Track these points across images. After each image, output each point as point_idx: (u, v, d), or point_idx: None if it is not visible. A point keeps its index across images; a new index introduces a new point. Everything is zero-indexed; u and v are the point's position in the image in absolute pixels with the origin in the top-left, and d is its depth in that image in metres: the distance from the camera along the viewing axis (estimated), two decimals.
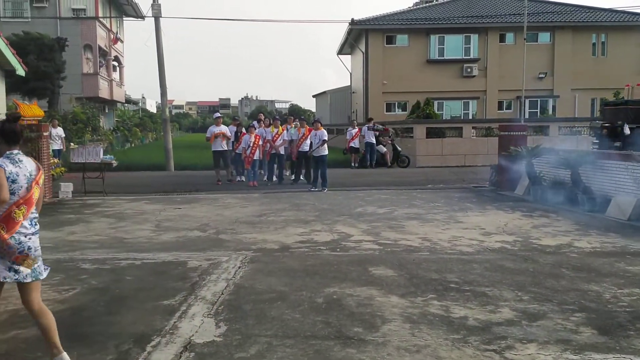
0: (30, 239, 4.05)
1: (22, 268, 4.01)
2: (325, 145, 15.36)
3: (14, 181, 3.97)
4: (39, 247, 4.15)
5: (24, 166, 4.08)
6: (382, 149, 23.41)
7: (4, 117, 13.51)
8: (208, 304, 5.59)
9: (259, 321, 5.08)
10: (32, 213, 4.11)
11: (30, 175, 4.09)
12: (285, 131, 17.19)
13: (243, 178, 17.83)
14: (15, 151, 4.10)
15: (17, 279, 3.99)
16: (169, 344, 4.57)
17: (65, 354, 4.07)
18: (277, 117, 20.24)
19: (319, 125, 15.61)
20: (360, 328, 4.89)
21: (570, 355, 4.28)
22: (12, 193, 3.95)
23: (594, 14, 36.90)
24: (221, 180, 17.40)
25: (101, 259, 7.61)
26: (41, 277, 4.17)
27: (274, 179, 17.49)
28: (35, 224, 4.14)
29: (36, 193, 4.14)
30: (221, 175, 17.65)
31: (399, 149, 23.74)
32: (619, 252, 7.79)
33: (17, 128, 4.18)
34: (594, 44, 36.57)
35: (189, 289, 6.10)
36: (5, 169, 3.95)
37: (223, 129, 17.42)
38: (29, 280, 4.04)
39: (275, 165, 17.54)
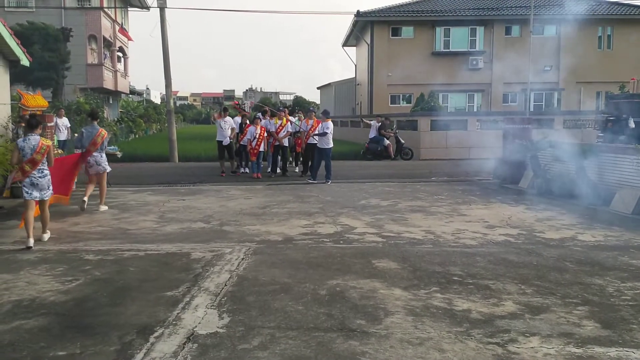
0: (38, 178, 8.09)
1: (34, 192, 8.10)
2: (330, 138, 15.28)
3: (22, 149, 8.02)
4: (43, 183, 8.16)
5: (29, 141, 8.06)
6: (386, 141, 23.39)
7: (9, 107, 13.34)
8: (211, 295, 5.60)
9: (262, 313, 5.08)
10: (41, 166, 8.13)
11: (33, 147, 8.03)
12: (289, 123, 17.17)
13: (247, 170, 17.83)
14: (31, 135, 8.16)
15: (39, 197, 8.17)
16: (172, 335, 4.58)
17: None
18: (282, 108, 20.17)
19: (324, 117, 15.56)
20: (363, 320, 4.89)
21: (573, 349, 4.28)
22: (23, 156, 8.02)
23: (600, 7, 36.74)
24: (225, 172, 17.41)
25: (104, 249, 7.62)
26: (44, 197, 8.27)
27: (278, 170, 17.48)
28: (41, 171, 8.15)
29: (37, 157, 8.05)
30: (225, 167, 17.65)
31: (402, 141, 23.70)
32: (622, 246, 7.77)
33: (33, 121, 8.34)
34: (599, 37, 36.40)
35: (192, 280, 6.11)
36: (18, 143, 8.11)
37: (229, 122, 17.52)
38: (41, 198, 8.23)
39: (279, 157, 17.51)
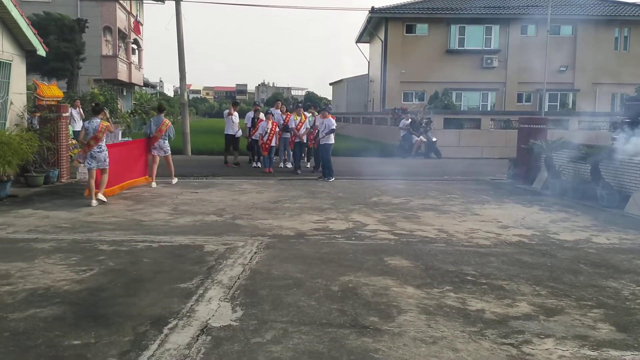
0: (97, 153, 10.55)
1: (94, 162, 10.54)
2: (332, 134, 15.11)
3: (86, 129, 10.61)
4: (101, 157, 10.59)
5: (92, 123, 10.58)
6: (414, 138, 23.16)
7: (24, 96, 13.48)
8: (224, 288, 5.61)
9: (275, 307, 5.09)
10: (100, 143, 10.62)
11: (95, 127, 10.50)
12: (307, 120, 17.08)
13: (259, 164, 17.82)
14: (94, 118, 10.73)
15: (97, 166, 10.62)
16: (186, 326, 4.59)
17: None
18: (300, 104, 19.96)
19: (327, 113, 15.47)
20: (376, 317, 4.88)
21: (588, 352, 4.25)
22: (87, 134, 10.55)
23: (617, 8, 36.42)
24: (239, 163, 17.55)
25: (118, 240, 7.66)
26: (103, 167, 10.70)
27: (289, 165, 17.45)
28: (99, 147, 10.58)
29: (99, 135, 10.52)
30: (238, 159, 17.76)
31: (434, 139, 23.28)
32: (637, 249, 7.70)
33: (97, 108, 11.05)
34: (616, 38, 36.09)
35: (205, 273, 6.12)
36: (85, 124, 10.87)
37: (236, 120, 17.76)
38: (99, 168, 10.68)
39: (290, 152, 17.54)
